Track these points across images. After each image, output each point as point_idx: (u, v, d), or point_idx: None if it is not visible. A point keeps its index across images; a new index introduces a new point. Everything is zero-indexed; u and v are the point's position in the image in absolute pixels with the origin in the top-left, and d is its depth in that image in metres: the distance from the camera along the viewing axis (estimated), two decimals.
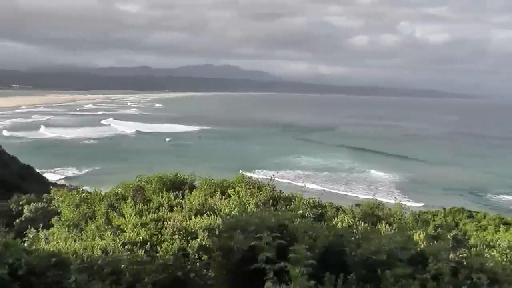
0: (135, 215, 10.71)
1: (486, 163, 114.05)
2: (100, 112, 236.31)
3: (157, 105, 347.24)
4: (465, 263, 4.45)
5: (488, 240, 24.99)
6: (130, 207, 11.63)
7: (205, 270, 7.44)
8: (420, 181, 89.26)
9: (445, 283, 3.95)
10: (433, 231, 15.27)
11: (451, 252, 5.22)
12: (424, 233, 9.27)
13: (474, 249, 9.20)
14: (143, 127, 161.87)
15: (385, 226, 11.79)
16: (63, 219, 13.66)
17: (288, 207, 11.79)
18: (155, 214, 10.41)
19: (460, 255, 5.02)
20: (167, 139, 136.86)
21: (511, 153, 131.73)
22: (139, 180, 16.22)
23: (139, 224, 9.68)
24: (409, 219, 17.69)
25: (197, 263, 7.60)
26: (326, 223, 9.26)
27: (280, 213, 7.60)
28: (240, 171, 18.42)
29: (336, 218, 11.67)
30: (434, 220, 42.18)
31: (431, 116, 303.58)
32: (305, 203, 13.74)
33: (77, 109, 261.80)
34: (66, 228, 12.62)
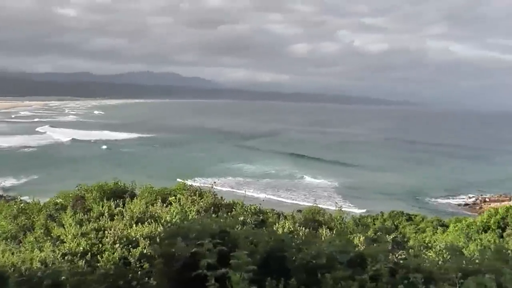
0: (75, 225, 10.51)
1: (423, 168, 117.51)
2: (36, 119, 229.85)
3: (96, 112, 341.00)
4: (402, 263, 4.61)
5: (426, 241, 25.80)
6: (70, 217, 11.40)
7: (147, 278, 7.39)
8: (361, 187, 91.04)
9: (383, 283, 4.09)
10: (373, 234, 15.67)
11: (391, 253, 5.38)
12: (363, 237, 9.49)
13: (412, 250, 9.49)
14: (80, 135, 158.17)
15: (325, 231, 12.01)
16: (0, 231, 13.30)
17: (229, 214, 11.84)
18: (96, 224, 10.24)
19: (399, 257, 5.19)
20: (104, 147, 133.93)
21: (447, 158, 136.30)
22: (79, 190, 15.98)
23: (80, 234, 9.52)
24: (349, 223, 18.11)
25: (139, 272, 7.54)
26: (267, 229, 9.35)
27: (221, 220, 7.63)
28: (178, 179, 18.41)
29: (277, 224, 11.79)
30: (374, 224, 43.12)
31: (371, 123, 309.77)
32: (246, 209, 13.88)
33: (13, 116, 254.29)
34: (3, 241, 12.28)
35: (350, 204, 71.00)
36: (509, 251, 5.27)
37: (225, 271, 4.61)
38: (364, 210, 66.14)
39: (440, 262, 5.64)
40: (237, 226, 7.62)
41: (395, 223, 47.66)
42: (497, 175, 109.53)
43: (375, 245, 6.57)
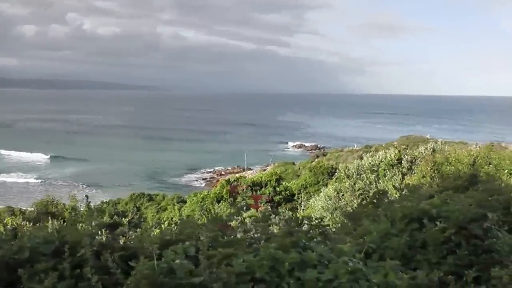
0: None
1: (161, 152, 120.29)
2: None
3: None
4: (108, 244, 4.57)
5: (165, 218, 26.66)
6: None
7: None
8: (100, 178, 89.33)
9: (89, 266, 4.01)
10: (109, 218, 15.56)
11: (121, 236, 5.31)
12: (94, 223, 9.29)
13: (146, 229, 9.58)
14: None
15: (56, 222, 11.59)
16: None
17: None
18: None
19: (130, 238, 5.19)
20: None
21: (181, 141, 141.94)
22: None
23: None
24: (85, 211, 17.82)
25: None
26: None
27: None
28: None
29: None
30: (116, 209, 43.15)
31: (108, 109, 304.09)
32: None
33: None
34: None
35: (96, 192, 70.21)
36: (223, 216, 5.63)
37: None
38: (105, 198, 65.55)
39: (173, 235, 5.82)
40: None
41: (136, 205, 48.46)
42: (229, 152, 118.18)
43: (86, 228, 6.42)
